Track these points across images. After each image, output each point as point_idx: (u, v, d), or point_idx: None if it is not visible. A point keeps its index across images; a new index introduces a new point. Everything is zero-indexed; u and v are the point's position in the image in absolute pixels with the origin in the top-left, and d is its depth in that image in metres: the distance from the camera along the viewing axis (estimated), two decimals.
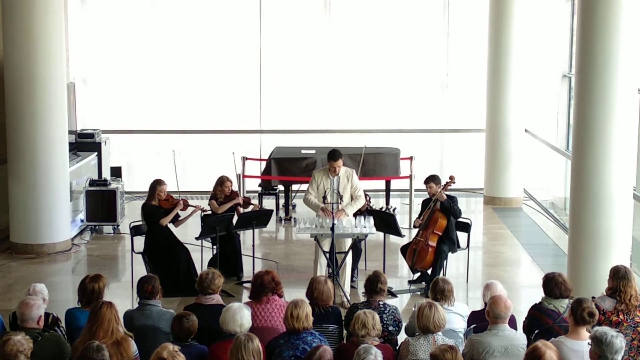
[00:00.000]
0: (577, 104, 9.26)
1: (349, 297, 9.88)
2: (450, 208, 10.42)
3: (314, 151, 14.04)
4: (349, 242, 10.04)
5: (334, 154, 10.00)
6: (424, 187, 10.75)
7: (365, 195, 10.59)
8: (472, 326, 7.27)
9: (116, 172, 14.72)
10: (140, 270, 10.24)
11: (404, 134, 16.09)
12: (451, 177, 10.70)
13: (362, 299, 8.82)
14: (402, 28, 16.21)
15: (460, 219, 10.66)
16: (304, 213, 12.47)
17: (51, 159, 11.75)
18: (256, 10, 16.15)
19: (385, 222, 10.57)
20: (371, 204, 11.26)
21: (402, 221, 12.64)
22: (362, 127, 16.10)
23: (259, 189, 14.05)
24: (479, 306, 8.42)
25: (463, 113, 16.36)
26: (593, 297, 7.18)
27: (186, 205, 10.56)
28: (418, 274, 10.72)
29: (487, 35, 14.80)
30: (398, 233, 10.57)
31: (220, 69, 16.14)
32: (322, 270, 10.01)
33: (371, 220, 10.02)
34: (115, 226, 13.19)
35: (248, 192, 13.69)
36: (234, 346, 5.97)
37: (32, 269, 11.29)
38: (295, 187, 14.20)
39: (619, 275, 7.11)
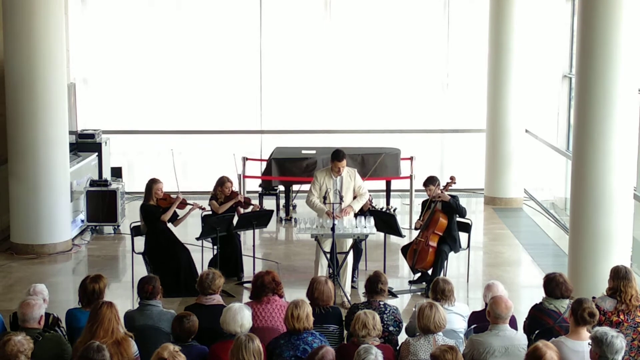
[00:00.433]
0: (577, 104, 9.26)
1: (349, 298, 9.88)
2: (456, 207, 10.42)
3: (314, 151, 14.04)
4: (349, 242, 10.04)
5: (338, 154, 10.00)
6: (424, 187, 10.75)
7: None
8: (472, 326, 7.27)
9: (117, 172, 14.72)
10: (141, 270, 10.24)
11: (404, 134, 16.09)
12: (452, 178, 10.70)
13: (363, 299, 8.82)
14: (402, 28, 16.21)
15: (460, 219, 10.66)
16: (304, 213, 12.48)
17: (52, 160, 11.75)
18: (256, 11, 16.15)
19: (386, 222, 10.57)
20: (373, 204, 11.25)
21: (403, 221, 12.64)
22: (362, 128, 16.11)
23: (260, 189, 14.05)
24: (479, 306, 8.43)
25: (463, 113, 16.37)
26: (593, 298, 7.18)
27: (184, 203, 10.57)
28: (418, 274, 10.73)
29: (488, 36, 14.80)
30: (398, 233, 10.57)
31: (221, 70, 16.14)
32: (323, 270, 10.01)
33: (372, 220, 10.03)
34: (116, 226, 13.19)
35: (248, 192, 13.69)
36: (234, 346, 5.97)
37: (33, 270, 11.30)
38: (295, 187, 14.20)
39: (619, 276, 7.12)
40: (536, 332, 6.92)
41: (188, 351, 6.21)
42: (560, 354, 5.96)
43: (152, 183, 10.49)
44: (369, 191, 10.60)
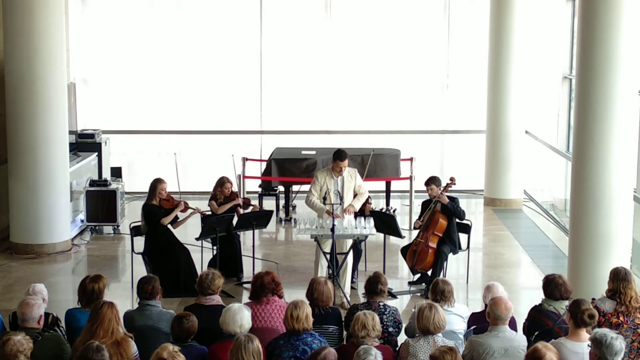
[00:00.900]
0: (577, 105, 9.26)
1: (349, 298, 9.88)
2: (454, 210, 10.42)
3: (314, 152, 14.05)
4: (349, 243, 10.05)
5: (340, 154, 10.00)
6: (424, 188, 10.75)
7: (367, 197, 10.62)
8: (472, 327, 7.27)
9: (116, 172, 14.72)
10: (140, 270, 10.24)
11: (404, 135, 16.10)
12: (452, 179, 10.70)
13: (362, 300, 8.82)
14: (402, 29, 16.21)
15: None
16: (304, 214, 12.47)
17: (51, 159, 11.75)
18: (257, 11, 16.15)
19: (386, 223, 10.57)
20: (372, 205, 11.25)
21: (402, 222, 12.64)
22: (362, 128, 16.10)
23: (259, 189, 14.05)
24: (479, 307, 8.43)
25: (463, 114, 16.37)
26: (593, 299, 7.18)
27: (186, 207, 10.57)
28: (418, 275, 10.72)
29: (488, 37, 14.80)
30: (398, 234, 10.57)
31: (221, 70, 16.14)
32: (323, 271, 10.01)
33: (371, 221, 10.04)
34: (115, 226, 13.19)
35: (248, 192, 13.69)
36: (234, 347, 5.97)
37: (32, 269, 11.29)
38: (295, 188, 14.20)
39: (619, 277, 7.11)
40: (536, 333, 6.92)
41: (187, 351, 6.21)
42: (560, 356, 5.95)
43: (157, 183, 10.48)
44: (369, 192, 10.61)
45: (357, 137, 15.71)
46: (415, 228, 10.75)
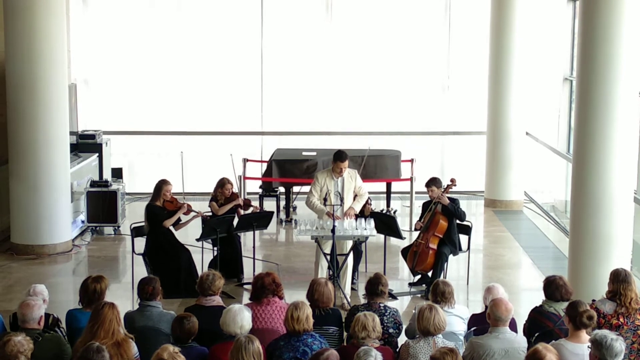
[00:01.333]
0: (578, 106, 9.26)
1: (349, 299, 9.88)
2: (454, 212, 10.42)
3: (314, 153, 14.05)
4: (349, 244, 10.05)
5: (340, 155, 10.00)
6: (424, 189, 10.75)
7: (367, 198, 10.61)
8: (472, 329, 7.27)
9: (117, 173, 14.73)
10: (141, 271, 10.24)
11: (405, 136, 16.10)
12: (452, 180, 10.71)
13: (363, 301, 8.82)
14: (403, 30, 16.22)
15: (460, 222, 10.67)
16: (304, 215, 12.48)
17: (52, 160, 11.76)
18: (258, 12, 16.15)
19: (386, 224, 10.57)
20: (372, 207, 11.25)
21: (403, 223, 12.62)
22: (363, 130, 16.10)
23: (260, 190, 14.05)
24: (479, 309, 8.43)
25: (464, 115, 16.37)
26: (593, 300, 7.19)
27: (189, 210, 10.58)
28: (418, 277, 10.72)
29: (488, 38, 14.81)
30: (399, 235, 10.57)
31: (222, 71, 16.15)
32: (323, 272, 10.01)
33: (372, 222, 10.04)
34: (116, 227, 13.19)
35: (249, 193, 13.70)
36: (234, 348, 5.97)
37: (33, 270, 11.30)
38: (296, 189, 14.20)
39: (619, 279, 7.11)
40: (536, 334, 6.92)
41: (188, 352, 6.21)
42: (560, 357, 5.95)
43: (162, 184, 10.48)
44: (369, 193, 10.61)
45: (358, 138, 15.70)
46: (415, 229, 10.75)
